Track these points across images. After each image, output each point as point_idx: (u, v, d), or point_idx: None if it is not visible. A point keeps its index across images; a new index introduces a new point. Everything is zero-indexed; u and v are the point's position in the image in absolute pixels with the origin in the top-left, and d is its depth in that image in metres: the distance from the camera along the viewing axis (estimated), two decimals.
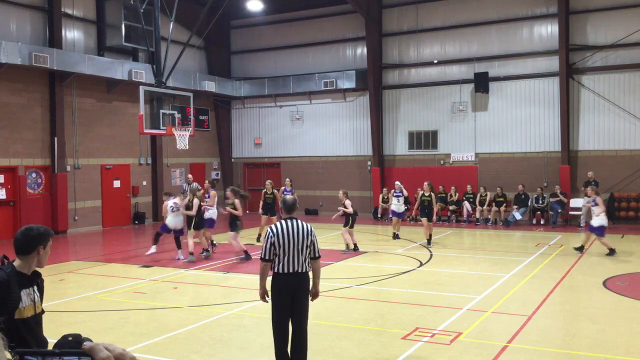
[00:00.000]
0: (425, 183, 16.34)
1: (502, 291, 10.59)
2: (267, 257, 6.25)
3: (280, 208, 6.76)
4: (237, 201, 13.86)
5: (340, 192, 15.61)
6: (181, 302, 10.19)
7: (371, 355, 7.29)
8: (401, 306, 9.62)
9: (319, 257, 6.46)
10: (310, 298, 6.49)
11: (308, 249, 6.29)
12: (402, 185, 17.81)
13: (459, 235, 18.96)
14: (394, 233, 17.42)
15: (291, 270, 6.23)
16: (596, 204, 14.25)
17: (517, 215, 20.49)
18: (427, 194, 16.20)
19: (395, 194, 17.73)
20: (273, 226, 6.37)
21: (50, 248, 3.94)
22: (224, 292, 10.89)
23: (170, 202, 14.35)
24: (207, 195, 15.22)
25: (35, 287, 3.85)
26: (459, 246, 16.76)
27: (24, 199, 18.73)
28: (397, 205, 17.57)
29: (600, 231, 14.07)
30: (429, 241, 16.30)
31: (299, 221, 6.36)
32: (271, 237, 6.26)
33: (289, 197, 6.72)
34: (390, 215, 18.60)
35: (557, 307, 9.58)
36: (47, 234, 3.97)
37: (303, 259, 6.25)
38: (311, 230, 6.34)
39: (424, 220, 16.17)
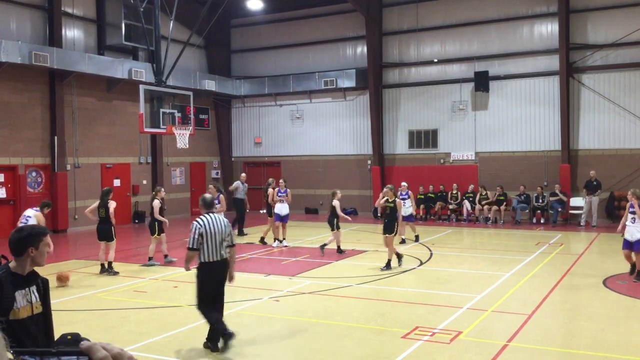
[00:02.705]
0: (387, 187, 13.03)
1: (502, 290, 10.59)
2: (195, 247, 7.10)
3: (200, 205, 7.55)
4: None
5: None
6: (181, 301, 10.19)
7: (371, 354, 7.29)
8: (401, 305, 9.62)
9: (234, 245, 7.52)
10: (227, 280, 7.39)
11: (227, 239, 7.21)
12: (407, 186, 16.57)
13: (459, 234, 18.96)
14: (416, 236, 16.56)
15: (218, 258, 7.12)
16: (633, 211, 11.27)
17: (517, 206, 20.55)
18: (390, 200, 12.76)
19: (401, 196, 15.46)
20: (199, 219, 7.17)
21: (46, 246, 3.86)
22: None
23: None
24: (216, 201, 14.64)
25: (34, 288, 3.81)
26: (459, 245, 16.75)
27: (24, 197, 18.72)
28: (404, 208, 15.25)
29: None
30: (403, 240, 15.92)
31: (217, 215, 7.29)
32: (199, 228, 7.05)
33: (207, 195, 7.68)
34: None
35: (557, 306, 9.58)
36: (38, 234, 3.85)
37: (224, 247, 7.17)
38: (228, 223, 7.39)
39: (384, 236, 12.79)
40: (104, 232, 12.66)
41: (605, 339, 7.76)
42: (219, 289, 7.30)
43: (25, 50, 17.65)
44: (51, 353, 1.52)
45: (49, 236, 3.99)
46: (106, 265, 12.61)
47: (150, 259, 13.47)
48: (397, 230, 12.77)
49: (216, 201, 14.34)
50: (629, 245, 11.24)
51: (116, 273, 12.53)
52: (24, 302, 3.72)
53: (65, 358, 1.51)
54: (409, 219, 16.20)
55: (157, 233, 13.50)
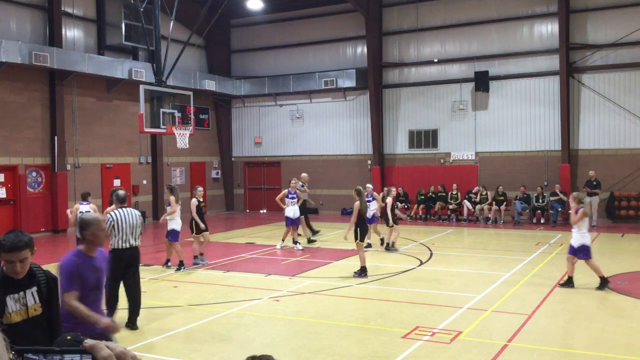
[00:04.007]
0: (356, 188, 12.40)
1: (502, 290, 10.59)
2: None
3: (115, 200, 8.91)
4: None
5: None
6: (181, 301, 10.20)
7: (371, 354, 7.29)
8: (401, 305, 9.62)
9: (142, 232, 8.87)
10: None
11: (139, 228, 8.48)
12: (373, 189, 16.07)
13: (459, 234, 18.96)
14: (381, 239, 15.79)
15: (127, 246, 8.35)
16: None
17: (519, 207, 20.54)
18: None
19: (366, 199, 14.53)
20: (112, 213, 8.47)
21: (22, 259, 3.64)
22: (223, 291, 10.90)
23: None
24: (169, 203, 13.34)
25: (34, 289, 3.70)
26: (459, 245, 16.75)
27: (24, 197, 18.74)
28: (368, 211, 14.37)
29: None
30: (382, 241, 15.40)
31: (131, 209, 8.63)
32: (111, 221, 8.32)
33: (121, 192, 8.99)
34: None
35: (557, 306, 9.58)
36: (11, 249, 3.60)
37: (135, 236, 8.42)
38: (139, 215, 8.61)
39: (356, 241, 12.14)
40: None
41: (605, 338, 7.76)
42: (130, 273, 8.49)
43: (25, 50, 17.65)
44: (54, 351, 1.52)
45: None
46: None
47: (195, 257, 13.34)
48: (360, 236, 11.91)
49: (168, 204, 13.62)
50: (573, 251, 10.72)
51: None
52: (17, 306, 3.62)
53: (69, 356, 1.51)
54: (370, 221, 14.97)
55: (195, 232, 13.29)
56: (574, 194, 10.97)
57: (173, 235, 12.80)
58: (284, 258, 14.42)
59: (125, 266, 8.39)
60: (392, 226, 14.92)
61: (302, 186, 17.16)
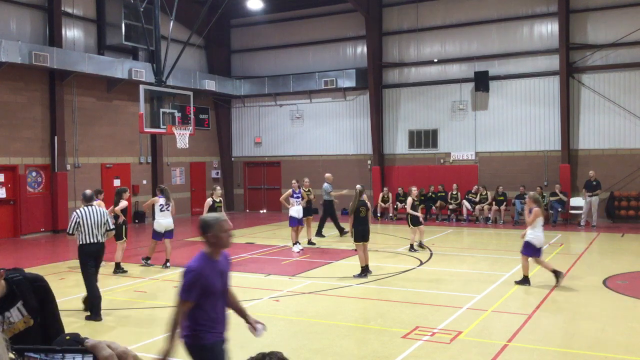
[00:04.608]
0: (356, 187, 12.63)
1: (502, 290, 10.59)
2: (71, 232, 9.07)
3: (82, 199, 9.51)
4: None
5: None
6: None
7: (371, 354, 7.29)
8: (401, 305, 9.62)
9: (114, 229, 9.75)
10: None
11: (104, 226, 9.09)
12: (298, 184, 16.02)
13: (459, 234, 18.96)
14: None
15: (93, 241, 8.95)
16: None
17: (519, 206, 20.50)
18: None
19: (295, 195, 15.57)
20: (78, 211, 9.05)
21: None
22: None
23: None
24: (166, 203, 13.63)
25: (19, 304, 3.36)
26: (459, 245, 16.75)
27: (24, 197, 18.74)
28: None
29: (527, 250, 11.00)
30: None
31: (96, 207, 9.26)
32: (77, 218, 8.95)
33: (87, 191, 9.58)
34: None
35: (557, 306, 9.58)
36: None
37: (101, 232, 9.03)
38: (105, 213, 9.24)
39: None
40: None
41: (605, 338, 7.77)
42: (97, 264, 9.22)
43: (25, 50, 17.65)
44: (55, 350, 1.52)
45: None
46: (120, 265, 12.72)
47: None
48: (356, 236, 11.87)
49: (165, 202, 13.61)
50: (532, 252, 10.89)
51: (125, 271, 12.63)
52: (2, 327, 3.31)
53: (70, 355, 1.51)
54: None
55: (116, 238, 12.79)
56: (530, 194, 11.18)
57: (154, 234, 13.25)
58: (284, 258, 14.42)
59: (94, 259, 9.08)
60: (414, 226, 14.77)
61: (328, 186, 17.56)
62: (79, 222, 8.94)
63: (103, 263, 12.35)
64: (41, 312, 3.44)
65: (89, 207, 9.14)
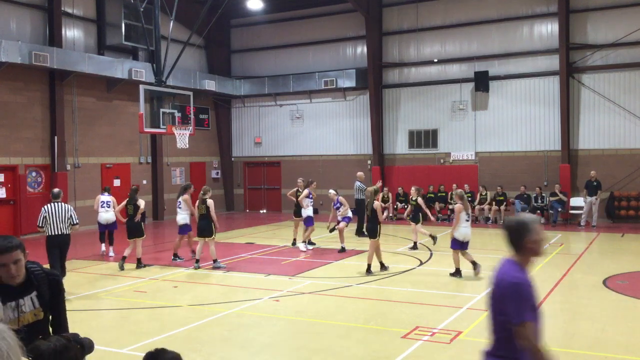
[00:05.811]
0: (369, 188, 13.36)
1: None
2: (40, 225, 10.28)
3: (51, 196, 10.59)
4: (140, 201, 13.88)
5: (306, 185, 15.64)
6: (181, 301, 10.20)
7: (371, 354, 7.29)
8: (401, 305, 9.62)
9: (78, 223, 10.66)
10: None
11: (69, 220, 10.30)
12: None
13: None
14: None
15: (58, 233, 10.17)
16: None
17: (519, 207, 20.48)
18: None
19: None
20: (45, 207, 10.21)
21: (16, 261, 3.45)
22: (224, 291, 10.90)
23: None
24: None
25: (34, 294, 3.53)
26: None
27: (24, 198, 18.74)
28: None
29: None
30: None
31: (62, 203, 10.40)
32: (44, 213, 10.15)
33: (55, 190, 10.73)
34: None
35: (557, 306, 9.58)
36: (2, 251, 3.42)
37: (66, 225, 10.26)
38: (69, 208, 10.38)
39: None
40: (133, 228, 13.26)
41: (605, 338, 7.77)
42: (61, 253, 10.33)
43: (25, 50, 17.65)
44: None
45: None
46: (141, 261, 13.30)
47: (214, 261, 12.96)
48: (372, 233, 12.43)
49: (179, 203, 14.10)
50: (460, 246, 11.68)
51: (146, 266, 13.30)
52: (13, 315, 3.49)
53: None
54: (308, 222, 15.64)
55: (213, 234, 13.02)
56: (456, 191, 12.02)
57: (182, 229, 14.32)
58: (284, 258, 14.42)
59: (58, 248, 10.22)
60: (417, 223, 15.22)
61: (362, 184, 17.42)
62: (45, 216, 10.15)
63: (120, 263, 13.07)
64: (51, 307, 3.61)
65: (56, 203, 10.32)
